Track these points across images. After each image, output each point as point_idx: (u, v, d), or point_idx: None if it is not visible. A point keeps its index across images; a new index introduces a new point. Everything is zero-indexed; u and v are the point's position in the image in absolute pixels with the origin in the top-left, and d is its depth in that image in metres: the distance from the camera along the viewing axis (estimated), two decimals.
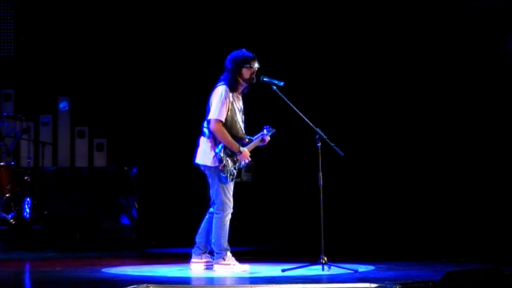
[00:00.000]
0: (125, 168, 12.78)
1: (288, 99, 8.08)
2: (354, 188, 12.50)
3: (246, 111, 8.20)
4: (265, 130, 8.22)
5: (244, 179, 12.42)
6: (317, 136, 7.99)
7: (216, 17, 13.00)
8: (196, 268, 8.17)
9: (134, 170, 12.74)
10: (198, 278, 7.81)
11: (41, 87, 13.34)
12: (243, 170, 8.22)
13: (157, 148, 13.12)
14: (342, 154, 7.89)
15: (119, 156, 13.18)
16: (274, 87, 8.13)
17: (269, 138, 8.22)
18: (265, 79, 8.14)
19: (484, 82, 12.09)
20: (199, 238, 8.22)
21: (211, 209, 8.20)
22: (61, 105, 13.36)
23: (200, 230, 8.23)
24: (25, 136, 12.46)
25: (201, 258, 8.20)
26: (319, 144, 7.97)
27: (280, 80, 8.12)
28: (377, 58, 12.60)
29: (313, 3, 12.85)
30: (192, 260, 8.22)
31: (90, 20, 13.29)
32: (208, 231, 8.15)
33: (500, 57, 11.99)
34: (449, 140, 12.24)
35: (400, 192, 12.30)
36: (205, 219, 8.22)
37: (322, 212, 7.87)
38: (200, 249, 8.21)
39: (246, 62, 8.05)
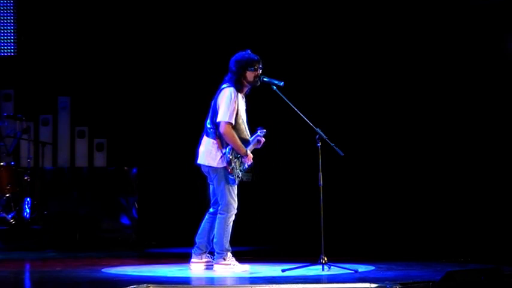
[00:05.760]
0: (125, 168, 12.79)
1: (288, 99, 8.07)
2: (354, 188, 12.49)
3: (247, 111, 8.19)
4: (258, 131, 8.18)
5: (244, 179, 12.38)
6: (317, 136, 7.98)
7: (217, 17, 13.00)
8: (196, 268, 8.16)
9: (134, 170, 12.74)
10: (198, 278, 7.81)
11: (41, 87, 13.33)
12: (243, 170, 8.21)
13: (157, 148, 13.11)
14: (342, 154, 7.89)
15: (119, 156, 13.18)
16: (274, 87, 8.12)
17: (263, 140, 8.18)
18: (265, 79, 8.12)
19: (484, 82, 12.09)
20: (199, 238, 8.21)
21: (211, 209, 8.19)
22: (61, 105, 13.36)
23: (200, 230, 8.22)
24: (25, 136, 12.45)
25: (201, 258, 8.19)
26: (319, 144, 7.97)
27: (280, 80, 8.11)
28: (377, 58, 12.59)
29: (314, 3, 12.84)
30: (192, 260, 8.21)
31: (91, 19, 13.29)
32: (209, 231, 8.14)
33: (500, 57, 12.00)
34: (449, 140, 12.24)
35: (400, 192, 12.29)
36: (205, 219, 8.21)
37: (322, 212, 7.87)
38: (200, 249, 8.20)
39: (251, 64, 8.01)
